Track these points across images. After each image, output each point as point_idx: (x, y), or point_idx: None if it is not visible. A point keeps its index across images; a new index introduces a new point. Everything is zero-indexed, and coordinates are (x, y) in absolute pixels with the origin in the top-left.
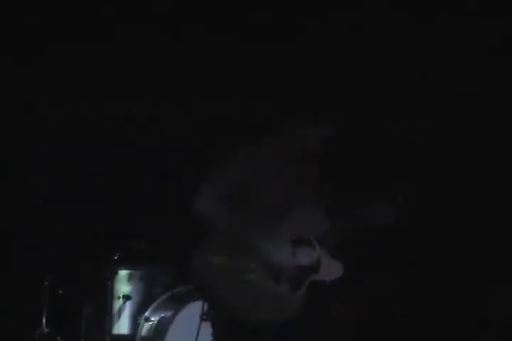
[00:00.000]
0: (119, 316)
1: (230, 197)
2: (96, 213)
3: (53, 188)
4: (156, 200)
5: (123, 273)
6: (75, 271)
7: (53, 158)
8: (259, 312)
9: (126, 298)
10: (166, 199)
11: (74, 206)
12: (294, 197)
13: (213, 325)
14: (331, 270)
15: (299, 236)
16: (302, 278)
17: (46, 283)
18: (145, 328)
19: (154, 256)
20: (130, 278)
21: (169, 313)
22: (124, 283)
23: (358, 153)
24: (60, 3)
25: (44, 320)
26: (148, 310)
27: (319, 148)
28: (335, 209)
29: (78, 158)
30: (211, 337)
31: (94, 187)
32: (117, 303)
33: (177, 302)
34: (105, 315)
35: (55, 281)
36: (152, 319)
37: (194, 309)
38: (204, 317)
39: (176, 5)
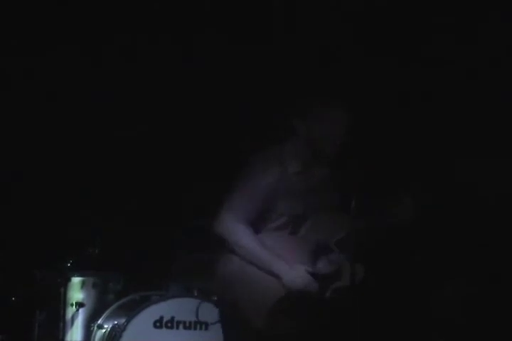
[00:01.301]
0: (72, 323)
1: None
2: (49, 220)
3: (6, 194)
4: (111, 207)
5: (76, 280)
6: (28, 278)
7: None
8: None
9: (79, 305)
10: (122, 206)
11: (27, 212)
12: (312, 203)
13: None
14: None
15: (319, 244)
16: (325, 286)
17: None
18: (98, 336)
19: (107, 263)
20: (83, 285)
21: (122, 320)
22: (77, 291)
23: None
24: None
25: None
26: (101, 318)
27: (334, 150)
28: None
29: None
30: None
31: (48, 194)
32: (70, 310)
33: (130, 310)
34: (58, 323)
35: (8, 288)
36: (105, 326)
37: (147, 316)
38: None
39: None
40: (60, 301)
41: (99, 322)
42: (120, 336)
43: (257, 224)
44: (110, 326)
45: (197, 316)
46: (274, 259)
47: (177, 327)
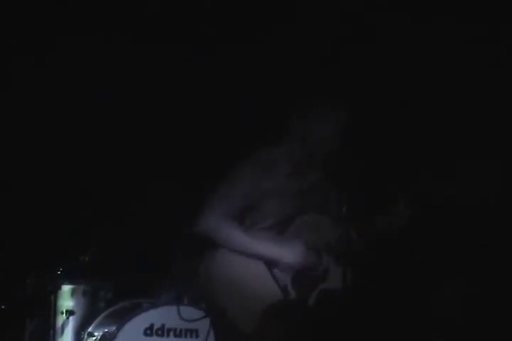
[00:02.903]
0: (63, 331)
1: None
2: (39, 227)
3: None
4: (101, 215)
5: (66, 288)
6: (19, 285)
7: None
8: (266, 324)
9: (70, 313)
10: (114, 213)
11: (16, 220)
12: (302, 205)
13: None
14: (339, 278)
15: (307, 245)
16: (311, 287)
17: None
18: None
19: (98, 271)
20: (73, 293)
21: (112, 328)
22: (67, 298)
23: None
24: None
25: None
26: (92, 325)
27: (327, 153)
28: (348, 216)
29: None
30: None
31: (38, 201)
32: (61, 318)
33: (120, 317)
34: (49, 330)
35: None
36: (95, 334)
37: (137, 324)
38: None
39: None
40: (50, 309)
41: (89, 330)
42: None
43: (243, 225)
44: (100, 334)
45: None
46: (267, 244)
47: (167, 335)
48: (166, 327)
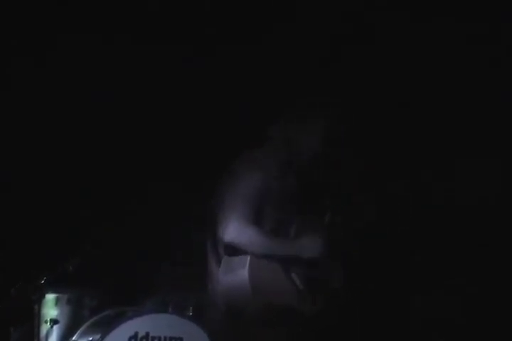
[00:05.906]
0: (47, 340)
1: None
2: (22, 236)
3: None
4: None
5: (50, 296)
6: (1, 294)
7: None
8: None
9: (54, 321)
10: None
11: (11, 223)
12: (292, 208)
13: None
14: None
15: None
16: (316, 289)
17: None
18: None
19: (81, 279)
20: (57, 301)
21: (97, 337)
22: (51, 307)
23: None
24: None
25: None
26: (76, 334)
27: (310, 160)
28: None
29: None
30: None
31: (21, 209)
32: (45, 327)
33: (105, 326)
34: (33, 340)
35: None
36: None
37: (122, 332)
38: None
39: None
40: (34, 318)
41: (73, 338)
42: None
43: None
44: None
45: None
46: (285, 242)
47: None
48: (151, 335)
